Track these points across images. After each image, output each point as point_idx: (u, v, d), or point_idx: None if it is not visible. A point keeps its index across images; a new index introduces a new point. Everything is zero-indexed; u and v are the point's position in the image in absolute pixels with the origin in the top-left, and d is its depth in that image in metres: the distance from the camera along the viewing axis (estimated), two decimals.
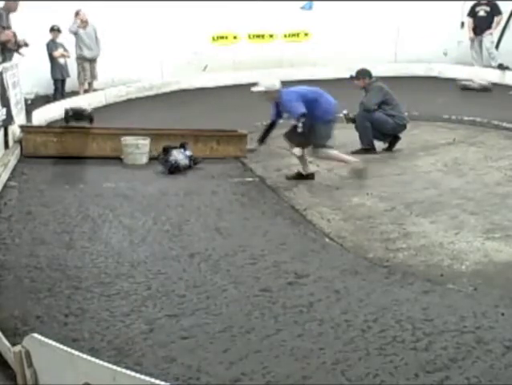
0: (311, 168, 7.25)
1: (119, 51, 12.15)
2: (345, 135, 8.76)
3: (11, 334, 3.46)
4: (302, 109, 6.76)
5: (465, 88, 12.48)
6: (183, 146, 7.59)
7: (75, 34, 11.59)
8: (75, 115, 9.33)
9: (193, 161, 7.59)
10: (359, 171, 7.00)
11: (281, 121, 7.34)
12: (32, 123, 9.10)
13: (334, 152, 7.15)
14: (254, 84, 7.24)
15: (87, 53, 11.69)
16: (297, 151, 7.00)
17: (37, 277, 4.39)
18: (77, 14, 11.60)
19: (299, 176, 7.12)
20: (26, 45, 9.73)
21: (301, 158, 7.16)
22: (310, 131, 6.87)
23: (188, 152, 7.57)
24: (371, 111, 8.20)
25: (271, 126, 7.37)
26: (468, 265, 4.66)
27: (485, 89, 12.39)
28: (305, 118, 6.73)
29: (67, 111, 9.39)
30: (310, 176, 7.13)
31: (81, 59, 11.67)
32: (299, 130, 6.72)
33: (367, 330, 3.64)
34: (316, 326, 3.71)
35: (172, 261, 4.71)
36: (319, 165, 7.65)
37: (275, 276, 4.46)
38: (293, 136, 7.00)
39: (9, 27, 9.40)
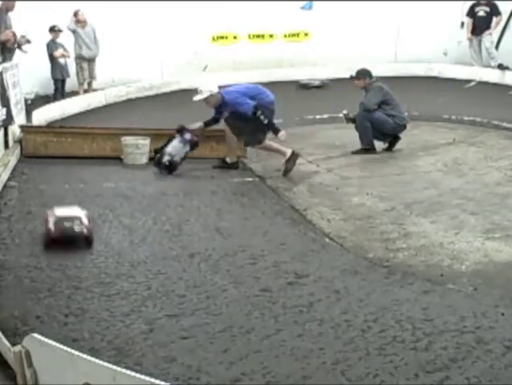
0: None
1: (119, 51, 12.13)
2: (345, 135, 8.78)
3: (11, 334, 3.45)
4: (251, 103, 7.14)
5: (304, 87, 12.98)
6: (180, 131, 7.47)
7: (74, 31, 11.57)
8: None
9: (193, 146, 7.49)
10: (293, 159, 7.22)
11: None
12: (32, 123, 9.10)
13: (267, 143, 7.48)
14: (195, 92, 7.54)
15: (85, 52, 11.67)
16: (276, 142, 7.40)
17: (37, 277, 4.39)
18: (76, 14, 11.60)
19: (286, 168, 7.23)
20: (28, 41, 9.71)
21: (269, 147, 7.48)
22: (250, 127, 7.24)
23: (187, 136, 7.46)
24: (371, 111, 8.20)
25: (215, 121, 7.63)
26: (468, 265, 4.66)
27: (322, 85, 13.12)
28: (259, 108, 7.13)
29: None
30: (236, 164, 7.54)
31: (79, 59, 11.66)
32: (265, 121, 7.14)
33: (367, 330, 3.64)
34: (316, 326, 3.71)
35: (172, 261, 4.71)
36: (319, 165, 7.66)
37: (275, 276, 4.46)
38: (256, 136, 7.32)
39: (8, 27, 9.38)
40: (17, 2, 9.65)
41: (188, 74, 13.29)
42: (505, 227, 5.41)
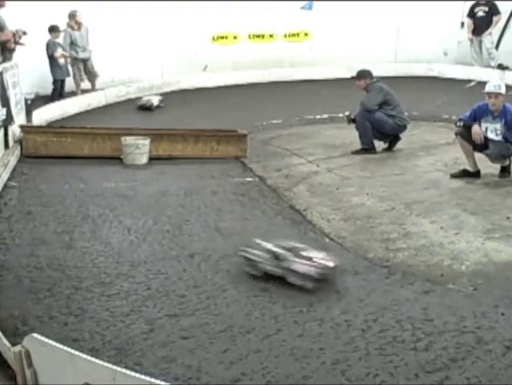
0: None
1: (120, 51, 12.15)
2: (345, 135, 8.78)
3: (11, 334, 3.46)
4: None
5: (142, 108, 11.14)
6: None
7: (70, 35, 11.52)
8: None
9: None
10: None
11: None
12: (32, 123, 9.10)
13: None
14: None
15: (80, 54, 11.67)
16: None
17: (37, 277, 4.39)
18: (73, 15, 11.53)
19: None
20: (24, 33, 9.68)
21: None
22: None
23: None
24: (372, 112, 8.19)
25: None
26: (468, 265, 4.65)
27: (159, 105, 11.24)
28: None
29: None
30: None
31: (75, 60, 11.65)
32: None
33: (367, 330, 3.64)
34: (316, 326, 3.71)
35: (172, 261, 4.71)
36: (319, 165, 7.66)
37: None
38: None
39: (2, 27, 9.34)
40: (13, 2, 9.63)
41: (189, 74, 13.31)
42: (505, 227, 5.41)
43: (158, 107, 11.20)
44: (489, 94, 6.59)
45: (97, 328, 3.65)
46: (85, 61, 11.78)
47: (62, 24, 11.42)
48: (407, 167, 7.54)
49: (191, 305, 3.98)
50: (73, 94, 11.58)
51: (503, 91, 6.62)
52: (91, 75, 11.90)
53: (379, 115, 8.18)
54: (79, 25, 11.63)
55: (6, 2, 9.57)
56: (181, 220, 5.66)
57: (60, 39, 11.46)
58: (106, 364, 2.62)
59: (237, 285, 4.28)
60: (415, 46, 14.32)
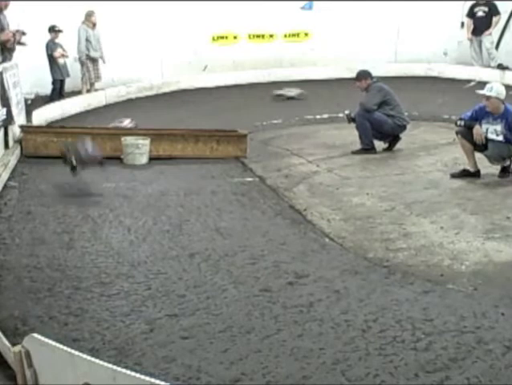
0: None
1: (120, 51, 12.14)
2: (345, 135, 8.78)
3: (11, 334, 3.46)
4: None
5: (279, 96, 12.03)
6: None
7: (86, 32, 11.54)
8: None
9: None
10: None
11: None
12: (32, 123, 9.10)
13: None
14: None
15: (92, 53, 11.67)
16: None
17: (37, 277, 4.39)
18: (91, 15, 11.54)
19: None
20: (23, 33, 9.67)
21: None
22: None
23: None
24: (371, 112, 8.19)
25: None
26: (468, 265, 4.66)
27: (293, 97, 11.94)
28: None
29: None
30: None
31: (87, 60, 11.64)
32: None
33: (367, 330, 3.64)
34: (316, 326, 3.71)
35: (172, 261, 4.71)
36: (319, 165, 7.66)
37: (275, 276, 4.46)
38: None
39: (3, 27, 9.34)
40: (12, 2, 9.61)
41: (189, 74, 13.31)
42: (505, 227, 5.41)
43: (293, 98, 11.84)
44: (483, 96, 6.60)
45: (97, 328, 3.65)
46: (94, 61, 11.77)
47: (62, 24, 11.41)
48: (407, 167, 7.54)
49: (191, 305, 3.98)
50: (73, 94, 11.57)
51: (494, 93, 6.56)
52: (95, 78, 11.90)
53: (378, 115, 8.18)
54: (94, 25, 11.65)
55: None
56: (181, 220, 5.66)
57: (60, 39, 11.46)
58: (106, 364, 2.62)
59: (237, 285, 4.28)
60: (415, 46, 14.31)
